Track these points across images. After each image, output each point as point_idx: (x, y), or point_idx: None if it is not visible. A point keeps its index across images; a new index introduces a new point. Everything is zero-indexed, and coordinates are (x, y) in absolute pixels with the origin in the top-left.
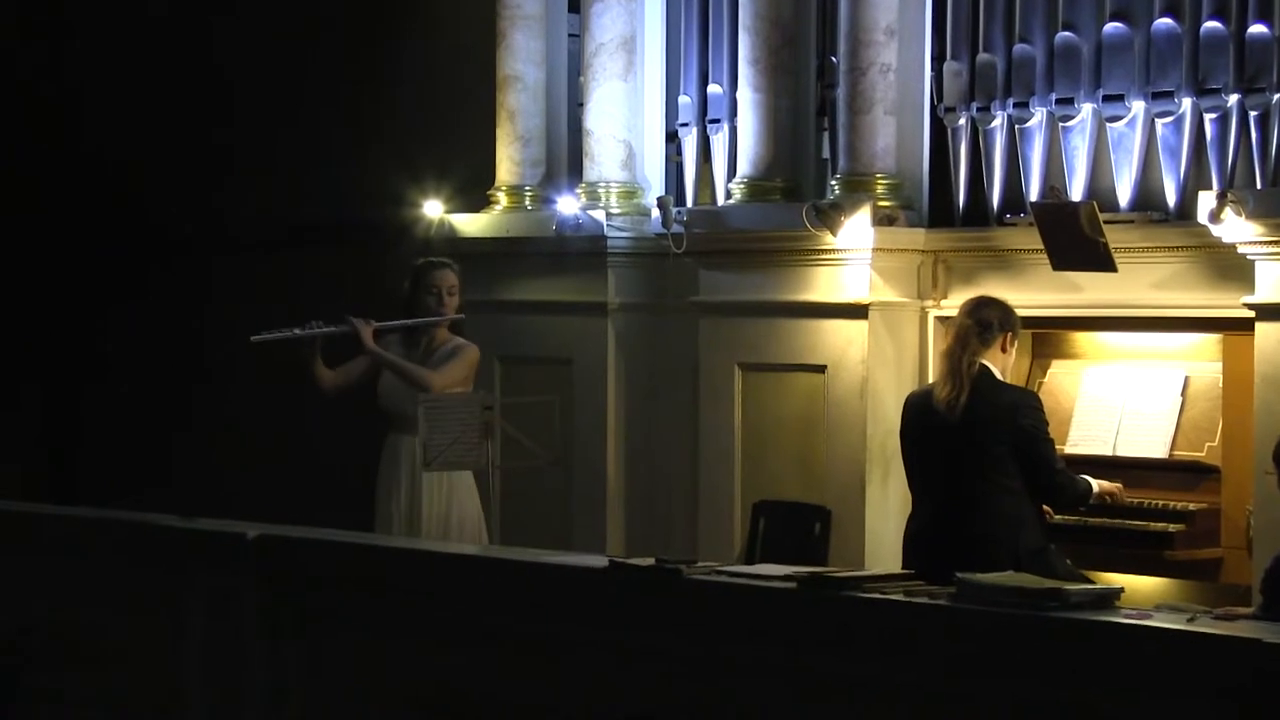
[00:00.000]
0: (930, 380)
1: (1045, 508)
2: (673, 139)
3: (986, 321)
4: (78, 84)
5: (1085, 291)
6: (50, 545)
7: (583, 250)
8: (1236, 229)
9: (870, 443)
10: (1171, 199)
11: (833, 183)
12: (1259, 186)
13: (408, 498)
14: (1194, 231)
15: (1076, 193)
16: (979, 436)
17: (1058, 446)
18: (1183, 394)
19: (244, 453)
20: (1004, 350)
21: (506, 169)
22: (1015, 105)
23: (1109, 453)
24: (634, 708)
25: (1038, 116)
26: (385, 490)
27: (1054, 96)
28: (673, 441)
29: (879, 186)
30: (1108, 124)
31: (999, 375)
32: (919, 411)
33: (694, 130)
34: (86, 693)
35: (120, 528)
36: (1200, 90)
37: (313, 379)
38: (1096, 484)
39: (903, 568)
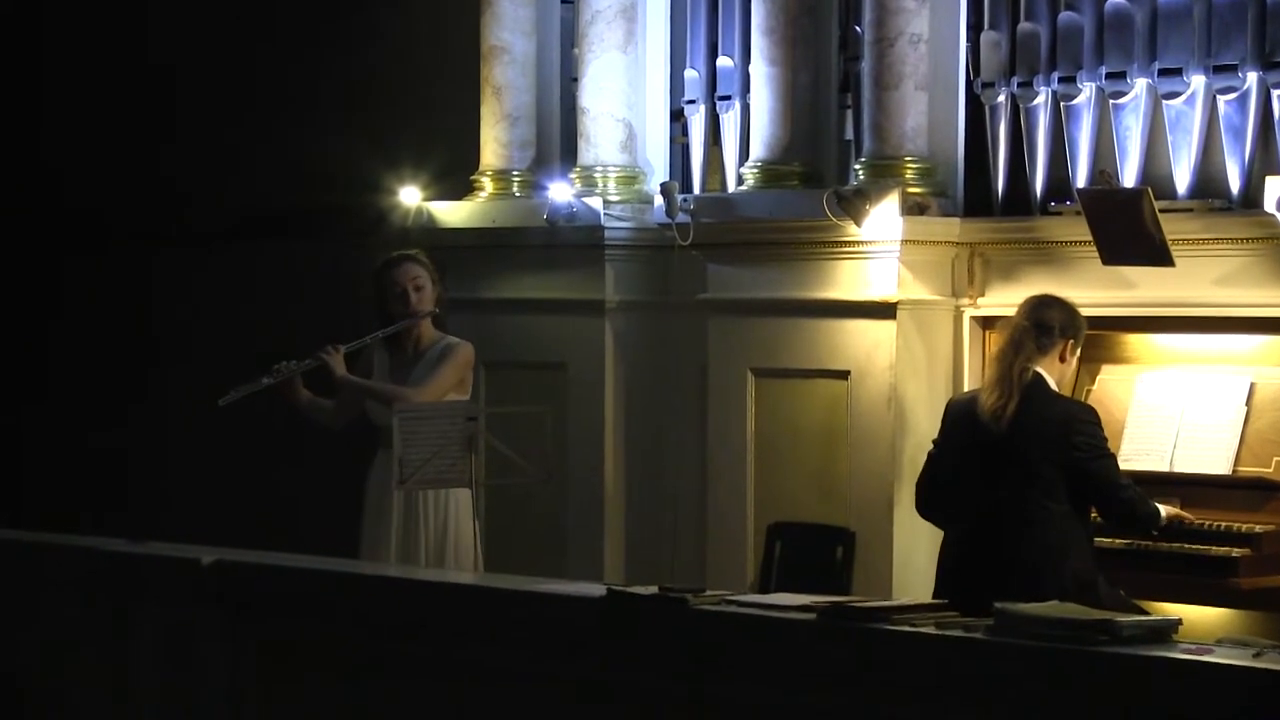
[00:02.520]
0: (970, 387)
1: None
2: (678, 118)
3: (1046, 325)
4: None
5: (1139, 288)
6: None
7: (577, 242)
8: None
9: (899, 457)
10: (1235, 185)
11: (857, 167)
12: None
13: (401, 518)
14: (1260, 221)
15: (1129, 178)
16: (1025, 451)
17: None
18: (1247, 403)
19: (201, 467)
20: (1063, 360)
21: (492, 151)
22: (1061, 80)
23: (1165, 468)
24: None
25: (1086, 93)
26: (374, 511)
27: (1104, 70)
28: (678, 456)
29: (908, 171)
30: (1164, 101)
31: (1054, 386)
32: (961, 419)
33: (701, 108)
34: None
35: (61, 553)
36: (1267, 64)
37: (301, 413)
38: (1165, 509)
39: (934, 597)
